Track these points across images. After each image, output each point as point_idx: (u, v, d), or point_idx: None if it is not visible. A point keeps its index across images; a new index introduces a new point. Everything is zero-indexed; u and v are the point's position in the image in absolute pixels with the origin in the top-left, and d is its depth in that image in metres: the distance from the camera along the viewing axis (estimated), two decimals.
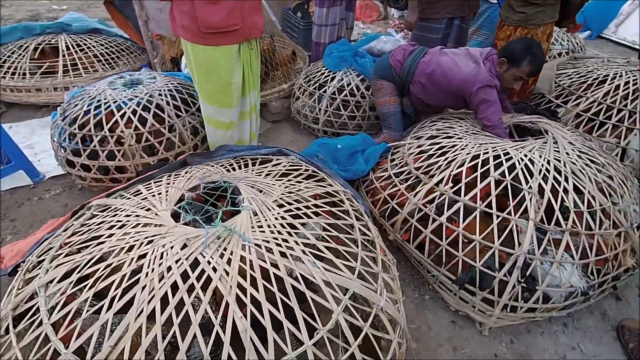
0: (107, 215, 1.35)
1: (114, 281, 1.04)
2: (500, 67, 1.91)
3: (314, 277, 1.08)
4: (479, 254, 1.45)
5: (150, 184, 1.51)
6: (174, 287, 1.01)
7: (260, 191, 1.36)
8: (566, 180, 1.51)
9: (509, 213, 1.47)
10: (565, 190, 1.49)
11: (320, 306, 1.05)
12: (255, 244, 1.11)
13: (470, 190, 1.56)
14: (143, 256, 1.10)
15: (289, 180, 1.49)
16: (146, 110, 2.05)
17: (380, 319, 1.17)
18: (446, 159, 1.73)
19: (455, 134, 1.87)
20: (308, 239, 1.19)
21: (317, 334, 1.00)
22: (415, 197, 1.68)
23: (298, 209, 1.30)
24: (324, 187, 1.52)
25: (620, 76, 2.33)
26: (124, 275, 1.05)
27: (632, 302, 1.77)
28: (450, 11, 2.42)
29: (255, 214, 1.22)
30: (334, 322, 1.03)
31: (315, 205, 1.36)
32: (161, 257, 1.06)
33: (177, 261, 1.05)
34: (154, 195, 1.36)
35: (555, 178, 1.51)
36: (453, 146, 1.77)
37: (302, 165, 1.68)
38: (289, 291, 1.02)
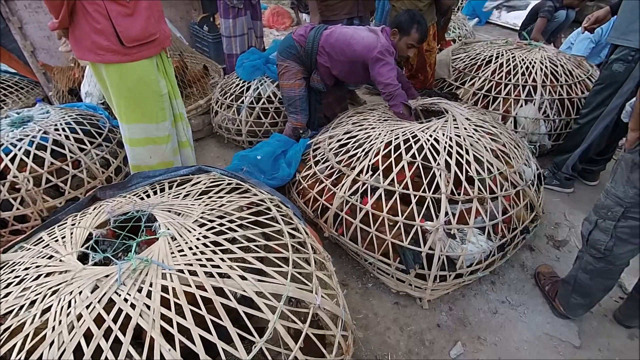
0: (3, 274, 1.19)
1: (15, 345, 0.92)
2: (393, 37, 2.06)
3: (245, 291, 1.05)
4: (404, 233, 1.54)
5: (54, 228, 1.36)
6: (90, 335, 0.92)
7: (179, 214, 1.30)
8: (467, 152, 1.66)
9: (424, 191, 1.58)
10: (468, 162, 1.64)
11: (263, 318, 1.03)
12: (177, 270, 1.06)
13: (389, 175, 1.65)
14: (49, 309, 0.98)
15: (210, 197, 1.45)
16: (42, 149, 1.86)
17: (322, 317, 1.19)
18: (364, 149, 1.81)
19: (369, 125, 1.96)
20: (235, 253, 1.16)
21: (255, 347, 0.98)
22: (341, 191, 1.73)
23: (222, 224, 1.26)
24: (249, 197, 1.50)
25: (502, 55, 2.64)
26: (27, 336, 0.93)
27: (543, 250, 2.01)
28: (347, 11, 2.56)
29: (174, 239, 1.16)
30: (271, 331, 1.01)
31: (240, 218, 1.34)
32: (69, 306, 0.96)
33: (88, 306, 0.95)
34: (57, 240, 1.23)
35: (458, 152, 1.66)
36: (368, 137, 1.86)
37: (224, 180, 1.64)
38: (219, 311, 0.99)
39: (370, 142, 1.82)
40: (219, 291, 1.05)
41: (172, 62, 1.92)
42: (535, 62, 2.53)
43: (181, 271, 1.06)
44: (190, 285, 1.02)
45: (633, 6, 1.76)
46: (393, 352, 1.51)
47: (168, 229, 1.19)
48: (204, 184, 1.57)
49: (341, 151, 1.91)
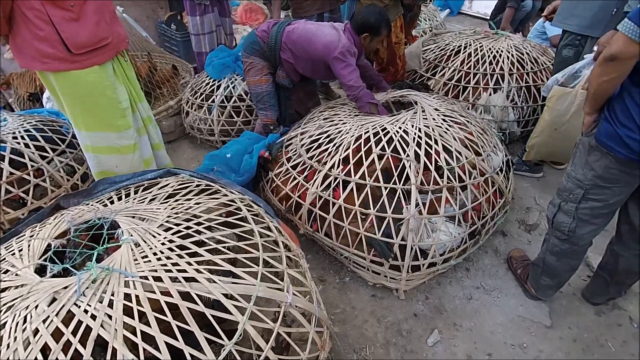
0: None
1: None
2: (364, 41, 2.04)
3: (213, 294, 1.04)
4: (376, 225, 1.55)
5: (12, 241, 1.30)
6: (48, 350, 0.88)
7: (143, 219, 1.26)
8: (436, 142, 1.68)
9: (395, 183, 1.59)
10: (437, 152, 1.66)
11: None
12: (141, 277, 1.03)
13: (360, 169, 1.65)
14: (3, 326, 0.94)
15: (177, 200, 1.41)
16: (0, 159, 1.77)
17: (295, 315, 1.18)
18: (334, 144, 1.80)
19: (340, 120, 1.95)
20: (202, 256, 1.14)
21: (224, 349, 0.97)
22: (313, 186, 1.72)
23: (188, 227, 1.24)
24: (218, 198, 1.47)
25: (470, 45, 2.67)
26: None
27: (515, 235, 2.06)
28: (319, 7, 2.55)
29: (138, 245, 1.13)
30: (240, 333, 1.00)
31: (209, 220, 1.31)
32: (25, 321, 0.92)
33: (45, 320, 0.92)
34: (13, 254, 1.18)
35: (427, 143, 1.67)
36: (339, 132, 1.86)
37: (193, 182, 1.61)
38: (185, 316, 0.97)
39: (341, 136, 1.82)
40: (186, 296, 1.03)
41: (131, 64, 1.81)
42: (502, 51, 2.57)
43: (145, 278, 1.03)
44: (155, 292, 1.00)
45: None
46: (371, 344, 1.52)
47: (131, 235, 1.15)
48: (172, 187, 1.53)
49: (313, 146, 1.90)
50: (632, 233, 1.38)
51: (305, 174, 1.82)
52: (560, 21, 1.95)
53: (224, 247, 1.23)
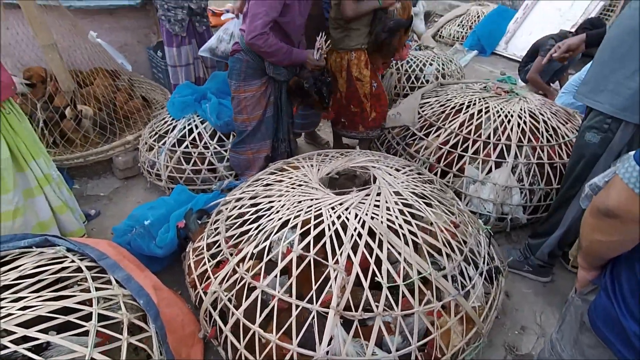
0: None
1: None
2: None
3: None
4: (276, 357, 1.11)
5: None
6: None
7: None
8: (380, 246, 1.24)
9: (310, 300, 1.15)
10: (379, 261, 1.21)
11: None
12: None
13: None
14: None
15: (8, 296, 1.07)
16: None
17: None
18: (258, 226, 1.41)
19: (278, 191, 1.56)
20: None
21: None
22: (217, 281, 1.33)
23: None
24: (66, 297, 1.11)
25: (474, 104, 2.21)
26: None
27: None
28: None
29: None
30: None
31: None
32: None
33: None
34: None
35: (367, 243, 1.23)
36: (269, 208, 1.47)
37: (63, 261, 1.27)
38: None
39: (268, 216, 1.43)
40: None
41: (20, 114, 1.58)
42: (512, 115, 2.09)
43: None
44: None
45: (608, 57, 1.32)
46: None
47: None
48: (21, 270, 1.19)
49: (238, 222, 1.52)
50: None
51: (218, 259, 1.44)
52: (586, 95, 1.42)
53: None
